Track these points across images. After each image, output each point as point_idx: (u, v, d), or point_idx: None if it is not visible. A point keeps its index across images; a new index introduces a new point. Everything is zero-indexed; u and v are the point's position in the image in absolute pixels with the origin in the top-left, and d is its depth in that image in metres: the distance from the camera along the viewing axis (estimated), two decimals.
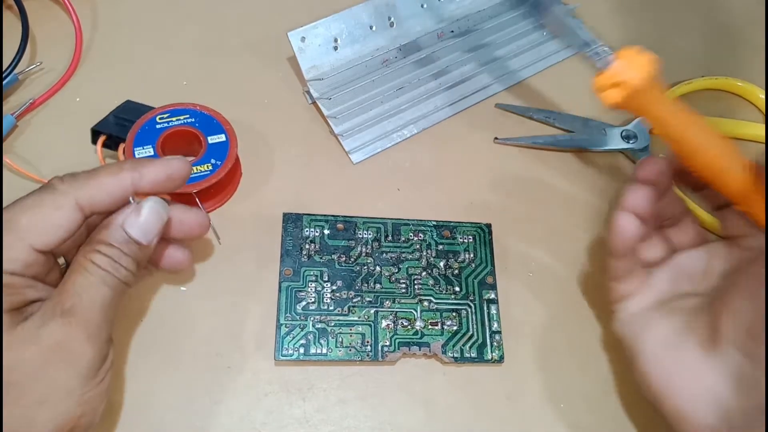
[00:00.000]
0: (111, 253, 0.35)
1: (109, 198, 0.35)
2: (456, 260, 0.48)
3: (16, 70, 0.52)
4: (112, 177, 0.35)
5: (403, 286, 0.47)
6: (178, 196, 0.47)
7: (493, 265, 0.49)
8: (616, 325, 0.43)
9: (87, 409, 0.33)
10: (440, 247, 0.49)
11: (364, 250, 0.48)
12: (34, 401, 0.31)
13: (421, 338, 0.45)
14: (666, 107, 0.40)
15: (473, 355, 0.45)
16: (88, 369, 0.33)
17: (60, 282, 0.34)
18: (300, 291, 0.45)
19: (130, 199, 0.36)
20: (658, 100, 0.40)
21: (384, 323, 0.45)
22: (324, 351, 0.43)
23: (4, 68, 0.51)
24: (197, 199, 0.47)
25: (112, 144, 0.48)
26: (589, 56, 0.40)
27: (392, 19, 0.56)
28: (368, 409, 0.43)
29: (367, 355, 0.44)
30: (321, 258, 0.47)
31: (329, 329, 0.44)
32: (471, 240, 0.49)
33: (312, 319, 0.44)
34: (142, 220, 0.36)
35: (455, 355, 0.45)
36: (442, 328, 0.45)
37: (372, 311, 0.45)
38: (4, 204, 0.34)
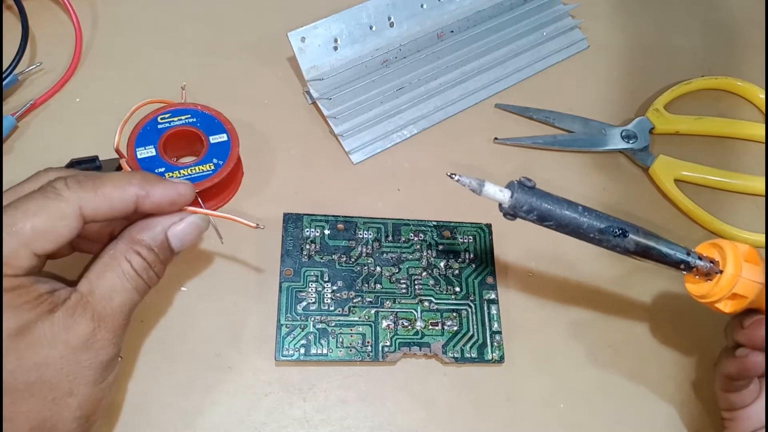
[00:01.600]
0: (149, 257, 0.36)
1: (112, 212, 0.35)
2: (456, 260, 0.48)
3: (16, 71, 0.52)
4: (119, 191, 0.35)
5: (404, 286, 0.47)
6: None
7: (493, 265, 0.49)
8: None
9: (106, 393, 0.35)
10: (440, 247, 0.49)
11: (364, 250, 0.48)
12: (63, 393, 0.33)
13: (421, 338, 0.45)
14: None
15: (473, 355, 0.45)
16: (108, 364, 0.34)
17: (87, 269, 0.35)
18: (300, 291, 0.45)
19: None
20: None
21: (384, 323, 0.45)
22: (324, 351, 0.43)
23: (4, 69, 0.51)
24: (199, 199, 0.47)
25: None
26: (690, 270, 0.39)
27: (392, 19, 0.56)
28: (368, 409, 0.43)
29: (368, 356, 0.44)
30: (321, 258, 0.47)
31: (330, 329, 0.44)
32: (471, 240, 0.49)
33: (312, 319, 0.44)
34: (185, 229, 0.38)
35: (455, 356, 0.45)
36: (443, 329, 0.45)
37: (372, 311, 0.45)
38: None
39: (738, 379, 0.41)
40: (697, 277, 0.39)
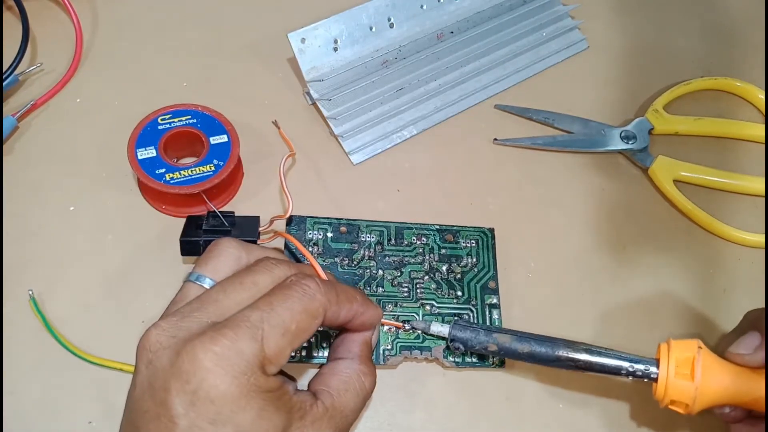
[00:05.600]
0: (376, 379, 0.39)
1: (337, 321, 0.37)
2: (458, 264, 0.48)
3: (16, 71, 0.52)
4: (349, 304, 0.37)
5: (406, 289, 0.47)
6: (185, 197, 0.47)
7: (495, 269, 0.49)
8: None
9: None
10: (443, 251, 0.49)
11: (366, 253, 0.48)
12: None
13: (422, 342, 0.45)
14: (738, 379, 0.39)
15: (474, 359, 0.45)
16: None
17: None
18: None
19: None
20: (725, 379, 0.39)
21: (386, 327, 0.45)
22: (325, 354, 0.43)
23: (4, 69, 0.51)
24: (205, 197, 0.47)
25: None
26: (635, 376, 0.40)
27: (392, 20, 0.56)
28: (368, 410, 0.44)
29: None
30: (324, 261, 0.47)
31: (331, 332, 0.44)
32: (474, 244, 0.49)
33: None
34: (376, 340, 0.41)
35: (456, 360, 0.45)
36: None
37: None
38: None
39: None
40: (645, 380, 0.40)
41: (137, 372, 0.33)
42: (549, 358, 0.41)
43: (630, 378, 0.40)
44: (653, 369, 0.39)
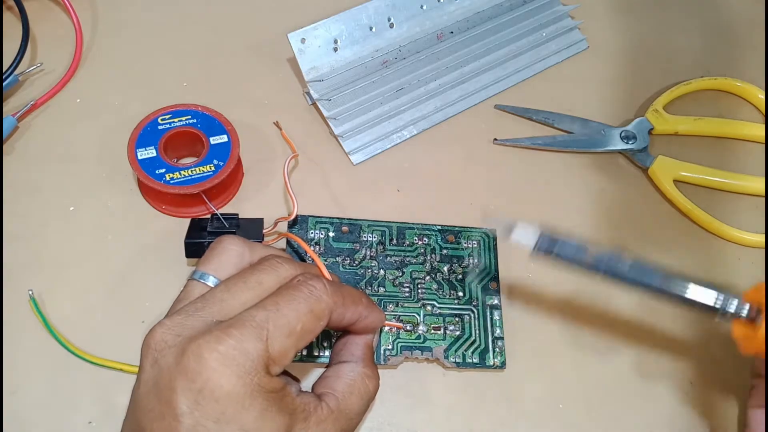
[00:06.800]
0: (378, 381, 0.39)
1: (341, 323, 0.37)
2: (460, 265, 0.48)
3: (16, 71, 0.52)
4: (354, 306, 0.37)
5: (407, 289, 0.47)
6: (185, 197, 0.47)
7: (497, 270, 0.48)
8: None
9: None
10: (444, 251, 0.49)
11: (368, 253, 0.47)
12: None
13: (423, 342, 0.45)
14: None
15: (475, 360, 0.45)
16: None
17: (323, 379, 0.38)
18: None
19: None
20: None
21: (387, 327, 0.45)
22: (326, 353, 0.43)
23: (4, 69, 0.51)
24: (205, 197, 0.47)
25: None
26: (723, 314, 0.38)
27: (392, 20, 0.56)
28: (368, 410, 0.43)
29: None
30: (325, 260, 0.47)
31: (332, 332, 0.44)
32: (476, 245, 0.49)
33: None
34: (376, 341, 0.43)
35: (457, 361, 0.45)
36: (445, 333, 0.45)
37: None
38: None
39: None
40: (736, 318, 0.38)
41: (142, 370, 0.33)
42: (651, 286, 0.38)
43: (719, 317, 0.38)
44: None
